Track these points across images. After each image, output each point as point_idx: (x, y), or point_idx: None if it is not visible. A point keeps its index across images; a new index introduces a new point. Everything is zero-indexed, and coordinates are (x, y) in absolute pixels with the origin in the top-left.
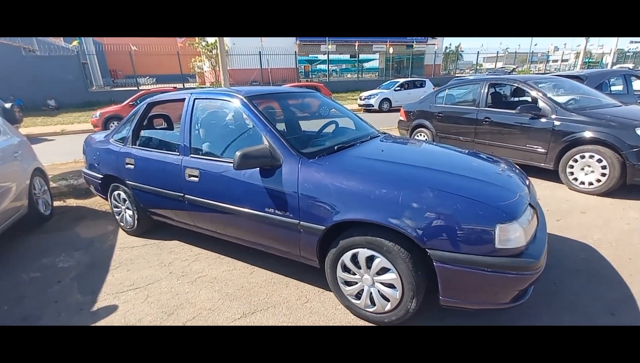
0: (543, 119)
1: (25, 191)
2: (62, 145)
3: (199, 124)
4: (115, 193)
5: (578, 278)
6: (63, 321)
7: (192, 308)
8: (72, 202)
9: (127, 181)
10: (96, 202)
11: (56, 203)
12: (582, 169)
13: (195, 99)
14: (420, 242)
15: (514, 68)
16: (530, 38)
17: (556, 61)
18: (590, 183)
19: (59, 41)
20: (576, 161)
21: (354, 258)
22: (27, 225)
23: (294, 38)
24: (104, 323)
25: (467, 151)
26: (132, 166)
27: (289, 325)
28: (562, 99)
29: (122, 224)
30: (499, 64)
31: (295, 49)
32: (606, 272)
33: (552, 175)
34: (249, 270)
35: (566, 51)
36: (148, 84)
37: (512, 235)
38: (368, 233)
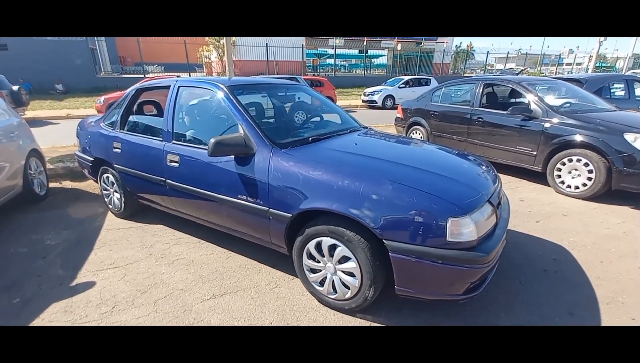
0: (534, 121)
1: (20, 171)
2: (66, 129)
3: (182, 112)
4: (105, 176)
5: (544, 278)
6: (42, 293)
7: (165, 288)
8: (67, 184)
9: (115, 165)
10: (90, 185)
11: (52, 184)
12: (570, 172)
13: (179, 86)
14: (377, 233)
15: (522, 69)
16: (542, 40)
17: (569, 63)
18: (577, 187)
19: None
20: (564, 164)
21: (319, 247)
22: (21, 204)
23: None
24: (81, 297)
25: (444, 149)
26: (119, 150)
27: (255, 307)
28: (555, 102)
29: (110, 206)
30: (511, 65)
31: (303, 43)
32: (573, 274)
33: (541, 178)
34: (226, 255)
35: (580, 53)
36: (156, 72)
37: (464, 229)
38: (331, 222)
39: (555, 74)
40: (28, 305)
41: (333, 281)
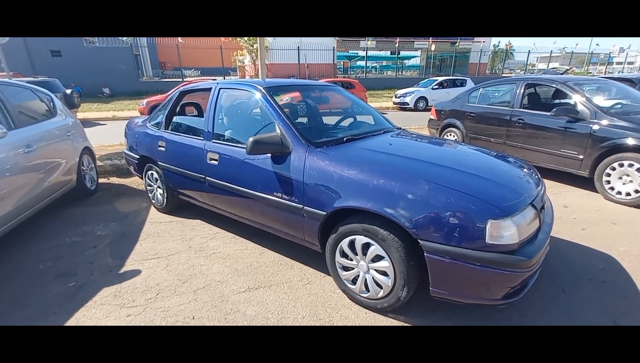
0: (581, 123)
1: (74, 167)
2: (112, 129)
3: (222, 112)
4: (149, 172)
5: (589, 287)
6: (94, 279)
7: (203, 279)
8: (114, 180)
9: (159, 162)
10: (134, 181)
11: (101, 180)
12: (620, 178)
13: (220, 88)
14: (412, 232)
15: (567, 69)
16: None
17: (620, 63)
18: (628, 194)
19: None
20: (614, 169)
21: (352, 245)
22: (74, 197)
23: None
24: (128, 283)
25: (482, 151)
26: (164, 149)
27: (287, 302)
28: (604, 103)
29: (153, 201)
30: (554, 64)
31: (334, 45)
32: (622, 284)
33: (587, 183)
34: (259, 251)
35: (631, 52)
36: (193, 76)
37: (505, 232)
38: (365, 221)
39: (605, 73)
40: (81, 289)
41: (365, 279)
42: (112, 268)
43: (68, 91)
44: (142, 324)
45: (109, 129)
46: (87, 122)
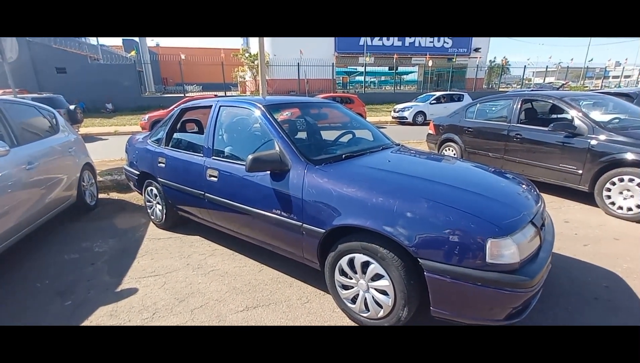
0: (579, 138)
1: (75, 183)
2: (114, 144)
3: (222, 129)
4: (149, 188)
5: (594, 306)
6: (91, 298)
7: (201, 298)
8: (114, 195)
9: (159, 178)
10: (134, 197)
11: (101, 195)
12: (621, 193)
13: (220, 106)
14: (412, 251)
15: (563, 83)
16: (585, 52)
17: (617, 77)
18: (629, 209)
19: (120, 50)
20: (614, 184)
21: (351, 263)
22: (74, 213)
23: (332, 49)
24: (125, 302)
25: (481, 167)
26: (164, 165)
27: (286, 322)
28: (602, 118)
29: (152, 217)
30: (550, 79)
31: (333, 61)
32: (628, 303)
33: (587, 198)
34: (258, 268)
35: (628, 66)
36: (194, 92)
37: (505, 251)
38: (364, 239)
39: (601, 88)
40: (79, 308)
41: (365, 298)
42: (109, 286)
43: (72, 107)
44: None
45: (111, 144)
46: (89, 137)
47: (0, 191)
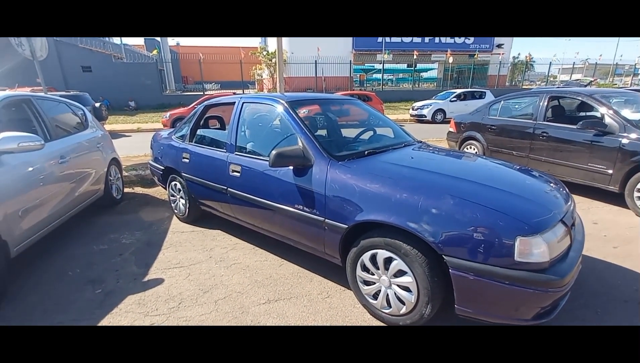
0: (609, 137)
1: (103, 177)
2: (136, 141)
3: (245, 125)
4: (173, 183)
5: (625, 309)
6: (120, 287)
7: (224, 289)
8: (139, 190)
9: (183, 173)
10: (158, 191)
11: (126, 190)
12: None
13: (243, 103)
14: (437, 248)
15: (591, 80)
16: (615, 48)
17: None
18: None
19: (142, 50)
20: None
21: (373, 259)
22: (102, 206)
23: (350, 47)
24: (152, 292)
25: (506, 164)
26: (188, 160)
27: (307, 315)
28: (634, 116)
29: (176, 211)
30: (577, 76)
31: (351, 58)
32: None
33: (617, 199)
34: (279, 262)
35: None
36: (213, 90)
37: (535, 250)
38: (387, 235)
39: (630, 85)
40: (109, 296)
41: (387, 295)
42: (137, 276)
43: (97, 104)
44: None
45: (134, 140)
46: (113, 134)
47: (35, 183)
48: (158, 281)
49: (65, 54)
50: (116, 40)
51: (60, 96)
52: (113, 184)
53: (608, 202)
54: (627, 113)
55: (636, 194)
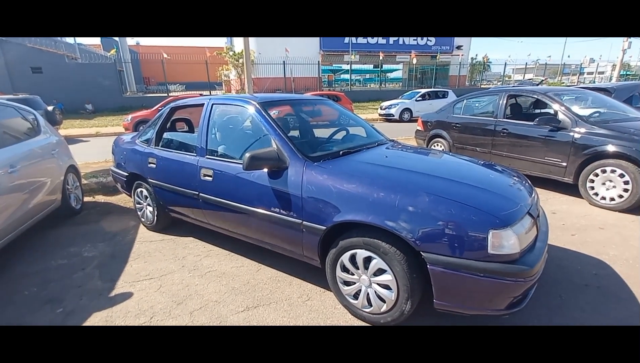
0: (562, 132)
1: (59, 186)
2: (96, 146)
3: (215, 128)
4: (138, 190)
5: (586, 293)
6: (84, 304)
7: (199, 299)
8: (100, 198)
9: (149, 179)
10: (122, 199)
11: (86, 199)
12: (604, 184)
13: (213, 104)
14: (414, 245)
15: (542, 80)
16: (562, 49)
17: (591, 73)
18: (612, 199)
19: (99, 49)
20: (597, 175)
21: (353, 259)
22: (59, 217)
23: (317, 48)
24: (120, 307)
25: (473, 161)
26: (154, 166)
27: (289, 320)
28: (583, 112)
29: (143, 219)
30: (529, 75)
31: (319, 59)
32: (617, 289)
33: (572, 189)
34: (256, 267)
35: (602, 62)
36: (178, 91)
37: (506, 242)
38: (366, 234)
39: (577, 83)
40: (71, 315)
41: (368, 294)
42: (102, 291)
43: (50, 108)
44: None
45: (93, 146)
46: (70, 139)
47: None
48: (126, 296)
49: (11, 54)
50: (69, 39)
51: (8, 100)
52: (71, 194)
53: (564, 193)
54: (578, 109)
55: (589, 184)
